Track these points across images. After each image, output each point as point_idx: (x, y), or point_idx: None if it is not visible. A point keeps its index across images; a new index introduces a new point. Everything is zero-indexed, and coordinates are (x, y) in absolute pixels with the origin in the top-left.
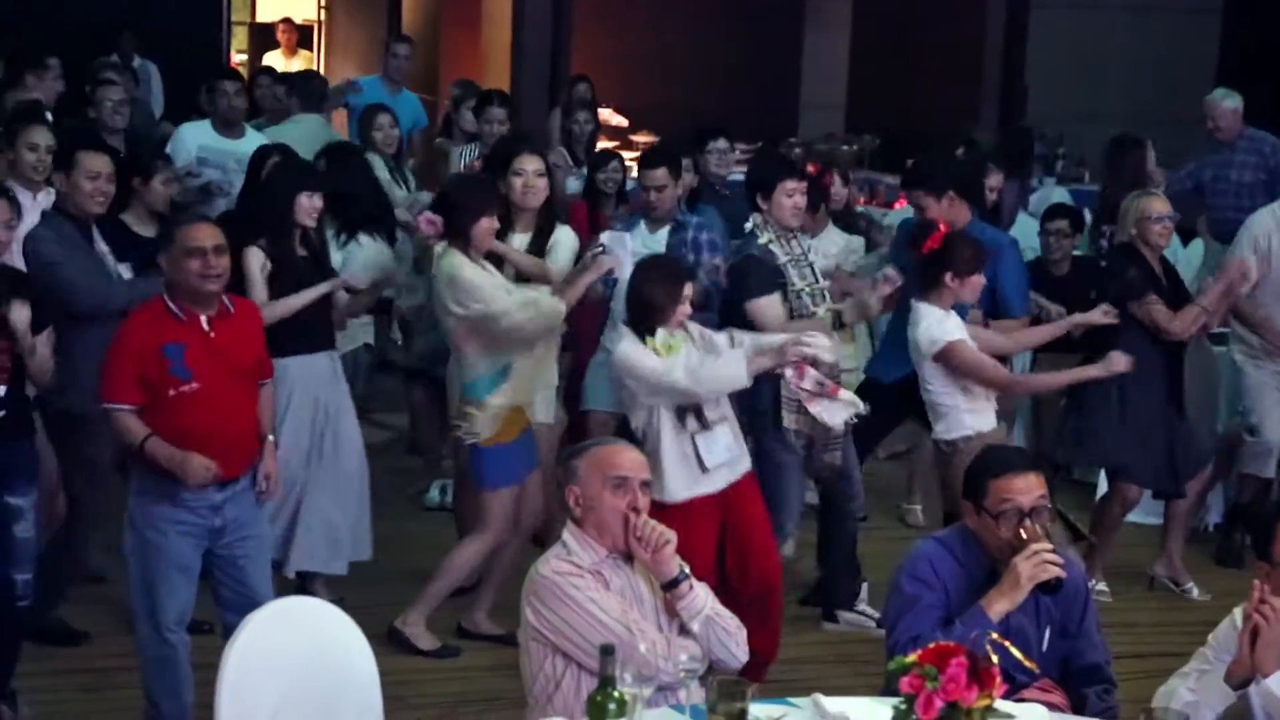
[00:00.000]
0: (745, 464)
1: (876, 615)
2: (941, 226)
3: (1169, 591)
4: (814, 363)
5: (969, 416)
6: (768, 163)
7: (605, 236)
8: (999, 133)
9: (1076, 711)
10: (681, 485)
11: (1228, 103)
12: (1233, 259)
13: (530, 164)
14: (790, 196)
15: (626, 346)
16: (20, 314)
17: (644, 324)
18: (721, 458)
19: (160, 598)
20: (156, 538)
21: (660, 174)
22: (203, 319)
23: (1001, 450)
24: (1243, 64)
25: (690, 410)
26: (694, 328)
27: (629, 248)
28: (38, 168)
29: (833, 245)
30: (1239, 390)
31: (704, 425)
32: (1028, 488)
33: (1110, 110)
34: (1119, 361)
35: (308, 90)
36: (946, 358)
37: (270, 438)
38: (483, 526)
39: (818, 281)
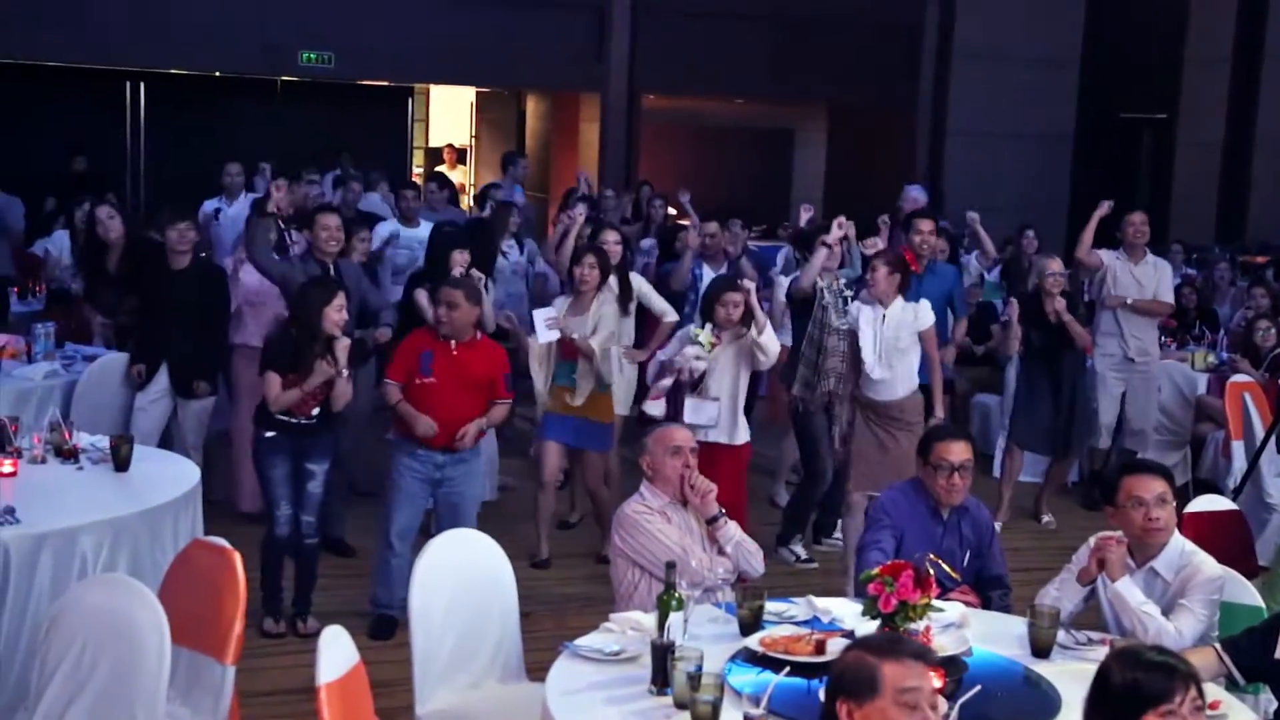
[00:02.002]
0: (723, 437)
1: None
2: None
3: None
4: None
5: None
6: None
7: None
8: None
9: (984, 608)
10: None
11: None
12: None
13: (611, 235)
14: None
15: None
16: (343, 349)
17: (704, 315)
18: (699, 421)
19: (392, 516)
20: (396, 476)
21: (715, 226)
22: (451, 343)
23: (943, 425)
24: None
25: (697, 381)
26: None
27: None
28: (330, 241)
29: None
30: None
31: (700, 395)
32: (960, 451)
33: (1000, 205)
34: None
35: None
36: None
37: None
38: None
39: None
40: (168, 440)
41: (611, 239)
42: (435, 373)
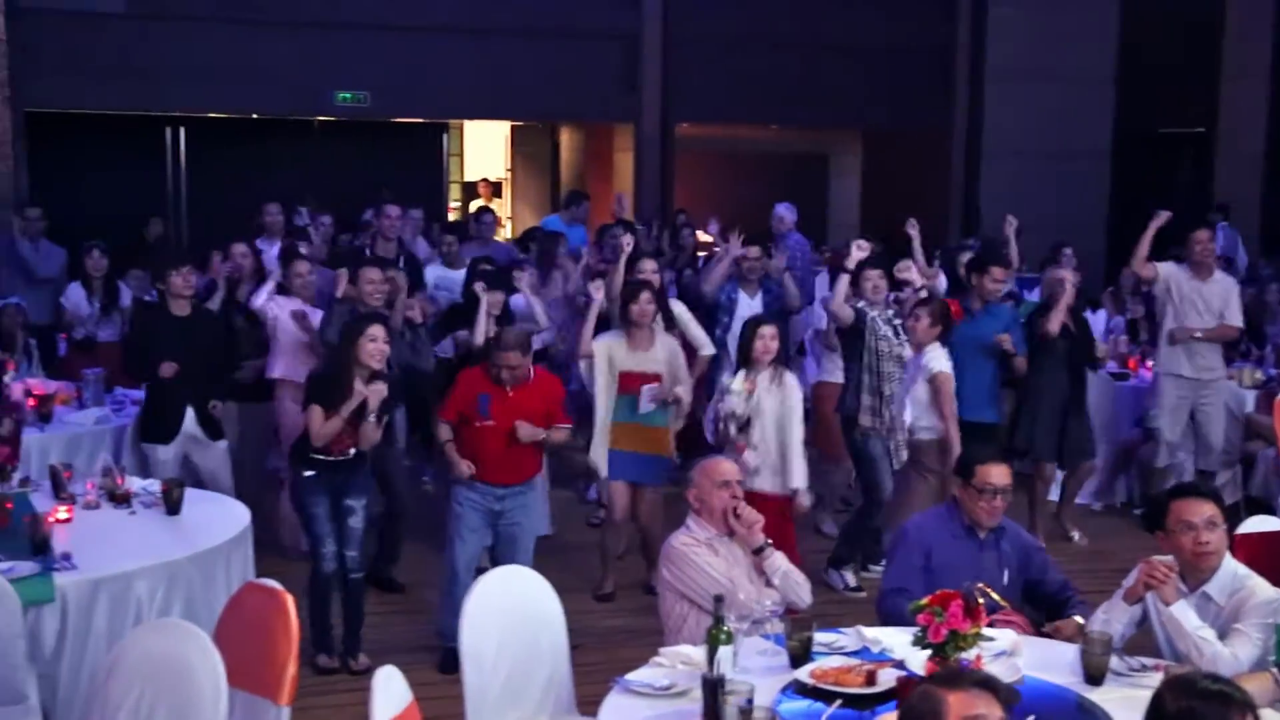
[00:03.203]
0: (769, 485)
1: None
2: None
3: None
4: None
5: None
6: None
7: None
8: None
9: (1056, 613)
10: None
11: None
12: None
13: (649, 264)
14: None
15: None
16: (378, 392)
17: (742, 357)
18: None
19: (454, 549)
20: (457, 508)
21: (756, 250)
22: (507, 387)
23: (983, 446)
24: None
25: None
26: (777, 374)
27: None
28: (375, 295)
29: None
30: (1132, 411)
31: (742, 444)
32: (1002, 475)
33: (1037, 225)
34: None
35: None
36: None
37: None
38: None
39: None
40: None
41: (649, 268)
42: (493, 415)
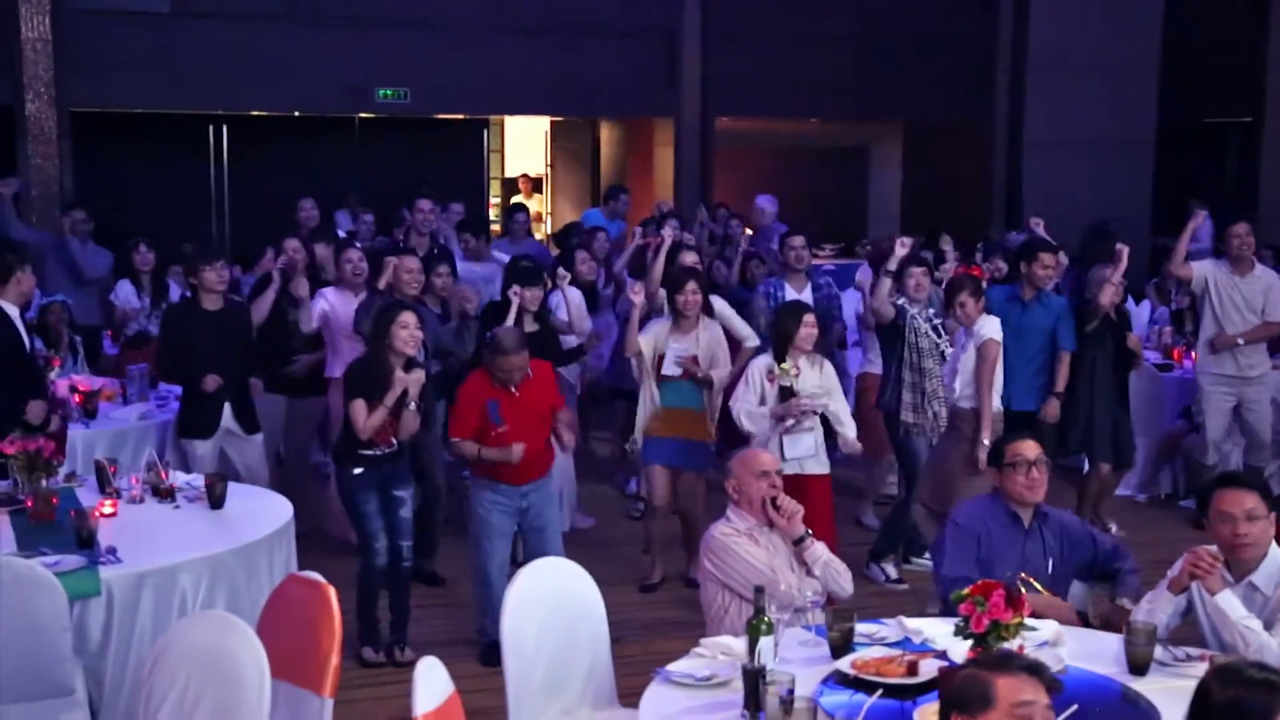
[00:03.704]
0: (818, 467)
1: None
2: None
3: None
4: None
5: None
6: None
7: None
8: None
9: (1113, 580)
10: None
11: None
12: None
13: (689, 256)
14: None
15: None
16: (417, 378)
17: (778, 344)
18: (797, 453)
19: (483, 551)
20: (484, 513)
21: (800, 239)
22: (511, 387)
23: (1010, 432)
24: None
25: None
26: (813, 357)
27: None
28: (412, 284)
29: None
30: (1176, 402)
31: (795, 429)
32: (1032, 448)
33: (1080, 217)
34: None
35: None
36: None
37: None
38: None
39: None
40: None
41: (690, 259)
42: (507, 420)
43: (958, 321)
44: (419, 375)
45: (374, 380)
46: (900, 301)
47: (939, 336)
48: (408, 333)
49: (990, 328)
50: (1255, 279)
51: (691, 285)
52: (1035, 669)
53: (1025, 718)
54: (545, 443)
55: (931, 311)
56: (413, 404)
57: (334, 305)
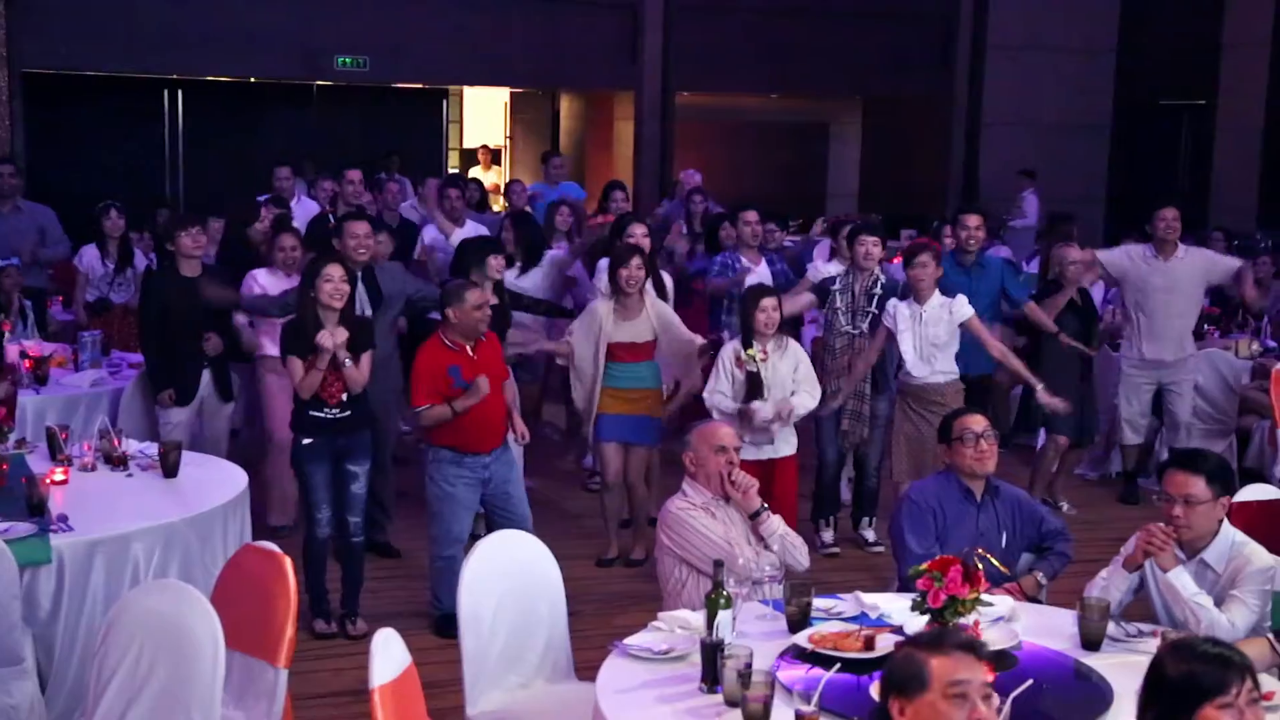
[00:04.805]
0: (787, 448)
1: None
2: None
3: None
4: None
5: None
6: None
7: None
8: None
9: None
10: None
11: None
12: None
13: (639, 229)
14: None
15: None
16: (339, 335)
17: (744, 326)
18: (760, 439)
19: (448, 525)
20: (447, 488)
21: (754, 214)
22: (468, 347)
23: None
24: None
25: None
26: (779, 339)
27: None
28: (360, 249)
29: None
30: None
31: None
32: (979, 420)
33: (1037, 196)
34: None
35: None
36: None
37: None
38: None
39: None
40: None
41: (639, 232)
42: (469, 382)
43: (915, 283)
44: (340, 331)
45: (305, 337)
46: (837, 273)
47: (859, 311)
48: (332, 285)
49: (962, 306)
50: (1178, 260)
51: (635, 261)
52: (970, 645)
53: (960, 695)
54: (502, 409)
55: (882, 280)
56: (348, 361)
57: (265, 287)
